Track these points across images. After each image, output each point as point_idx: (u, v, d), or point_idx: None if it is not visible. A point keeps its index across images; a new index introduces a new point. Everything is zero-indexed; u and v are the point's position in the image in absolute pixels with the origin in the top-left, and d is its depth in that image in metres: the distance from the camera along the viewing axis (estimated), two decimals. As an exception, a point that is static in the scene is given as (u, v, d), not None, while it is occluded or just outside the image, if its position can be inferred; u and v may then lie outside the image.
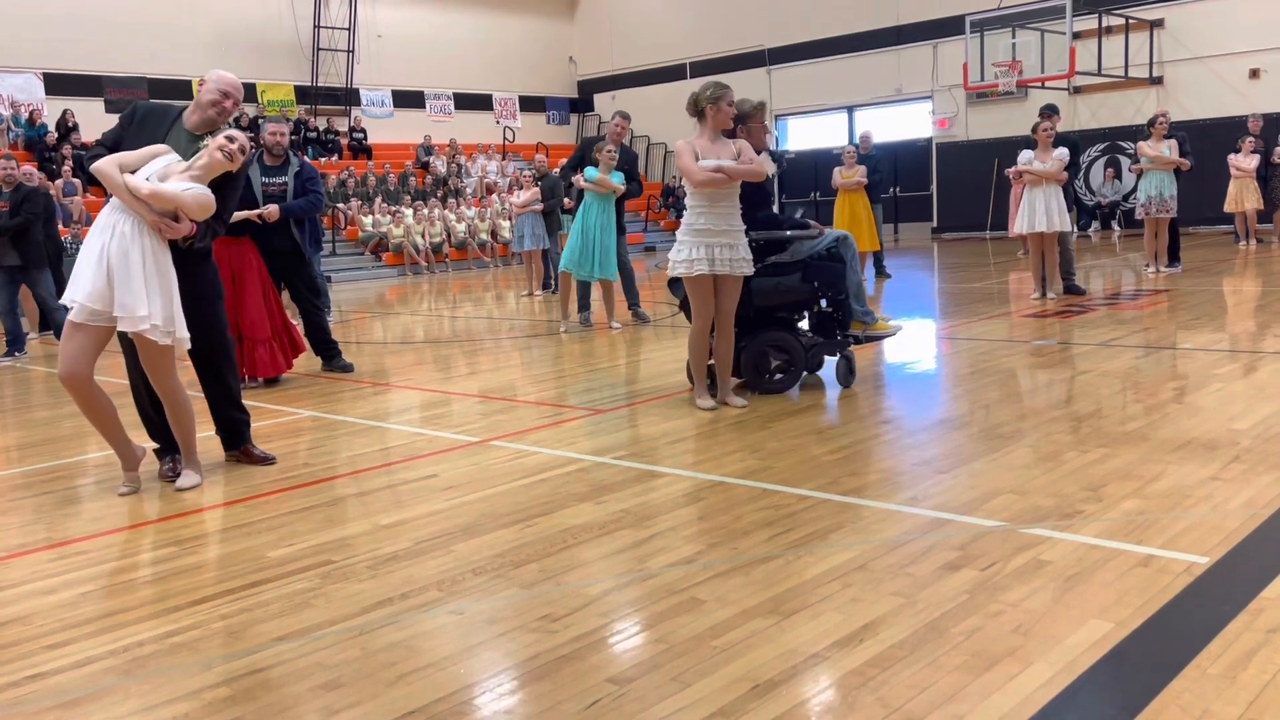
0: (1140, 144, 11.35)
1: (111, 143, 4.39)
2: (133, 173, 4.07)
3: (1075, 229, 18.38)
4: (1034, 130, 9.56)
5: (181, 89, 20.86)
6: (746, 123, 5.64)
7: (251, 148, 4.45)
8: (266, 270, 6.91)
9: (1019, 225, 9.75)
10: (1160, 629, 2.54)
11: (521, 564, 3.22)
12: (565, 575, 3.11)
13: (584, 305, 9.54)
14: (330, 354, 7.63)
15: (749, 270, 5.43)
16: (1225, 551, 3.01)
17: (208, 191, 4.15)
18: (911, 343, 7.84)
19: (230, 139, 4.23)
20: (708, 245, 5.26)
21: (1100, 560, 2.99)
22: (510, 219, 20.01)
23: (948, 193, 21.97)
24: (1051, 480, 3.82)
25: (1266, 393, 5.11)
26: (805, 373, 6.00)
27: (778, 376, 5.80)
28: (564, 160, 10.19)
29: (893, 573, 2.98)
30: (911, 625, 2.62)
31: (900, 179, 22.89)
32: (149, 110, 4.53)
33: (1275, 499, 3.45)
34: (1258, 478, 3.70)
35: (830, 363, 6.12)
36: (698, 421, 5.24)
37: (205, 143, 4.27)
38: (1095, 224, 19.91)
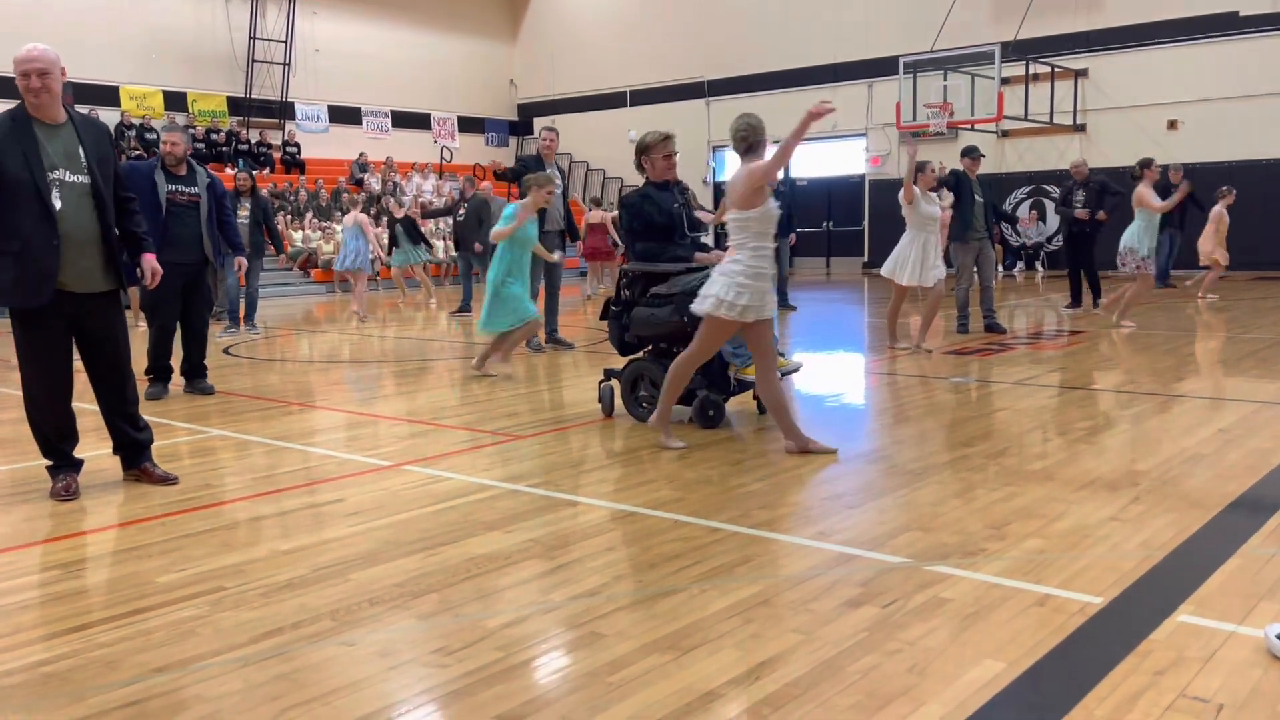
0: (1141, 189, 9.93)
1: None
2: None
3: (1000, 268, 18.89)
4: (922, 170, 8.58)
5: (109, 95, 20.41)
6: (649, 154, 5.67)
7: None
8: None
9: (884, 268, 8.88)
10: (1051, 669, 2.56)
11: (421, 594, 3.14)
12: (465, 607, 3.04)
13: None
14: (197, 374, 7.12)
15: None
16: (1119, 592, 3.05)
17: None
18: (834, 377, 7.92)
19: None
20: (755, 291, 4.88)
21: (999, 599, 3.02)
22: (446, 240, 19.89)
23: (879, 228, 22.31)
24: (958, 517, 3.86)
25: (1170, 434, 5.25)
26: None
27: (644, 406, 5.86)
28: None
29: (794, 609, 2.97)
30: (809, 663, 2.60)
31: (834, 214, 23.27)
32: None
33: (1169, 540, 3.53)
34: (1154, 519, 3.78)
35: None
36: (616, 449, 5.20)
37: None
38: (1020, 264, 20.43)
